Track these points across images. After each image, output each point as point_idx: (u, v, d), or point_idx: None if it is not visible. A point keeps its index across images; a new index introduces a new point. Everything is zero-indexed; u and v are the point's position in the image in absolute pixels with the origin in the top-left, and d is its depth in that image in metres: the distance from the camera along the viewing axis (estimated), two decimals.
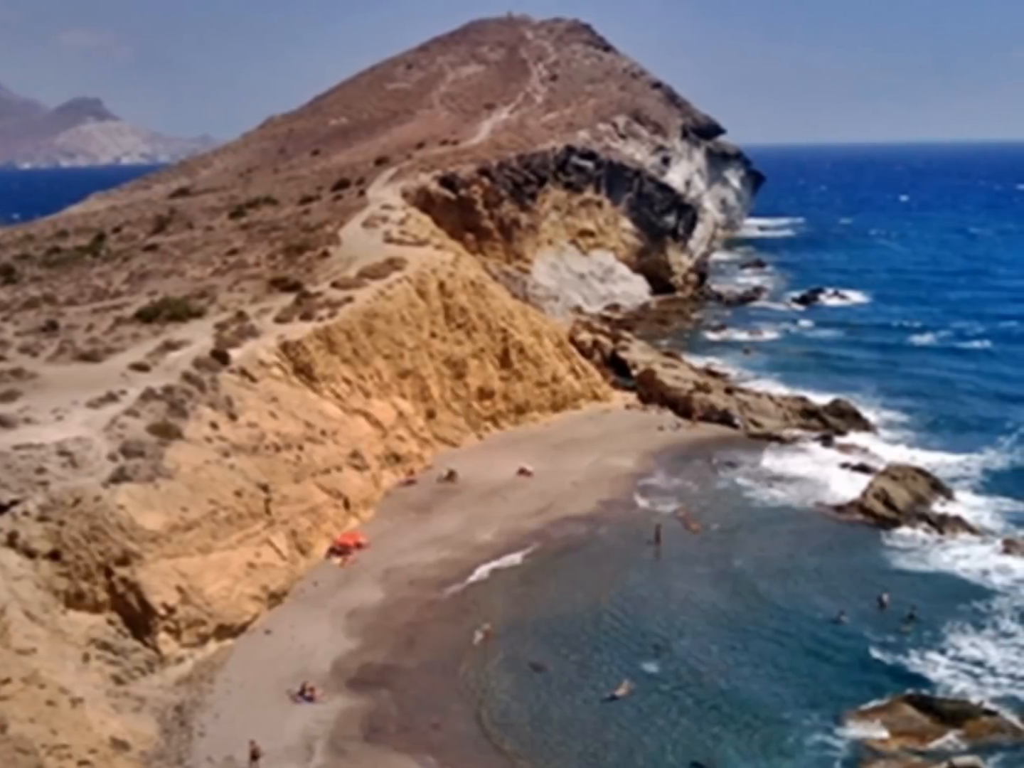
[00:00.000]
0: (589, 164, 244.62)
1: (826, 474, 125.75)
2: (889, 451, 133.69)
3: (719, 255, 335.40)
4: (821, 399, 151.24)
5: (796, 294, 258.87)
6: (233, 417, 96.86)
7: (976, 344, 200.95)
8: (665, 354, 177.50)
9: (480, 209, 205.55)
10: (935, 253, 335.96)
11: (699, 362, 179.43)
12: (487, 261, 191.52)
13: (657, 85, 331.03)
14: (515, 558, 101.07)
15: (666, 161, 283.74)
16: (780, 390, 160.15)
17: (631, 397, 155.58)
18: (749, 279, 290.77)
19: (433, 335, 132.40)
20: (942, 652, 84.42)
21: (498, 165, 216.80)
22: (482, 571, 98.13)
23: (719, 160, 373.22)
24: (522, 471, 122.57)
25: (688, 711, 76.19)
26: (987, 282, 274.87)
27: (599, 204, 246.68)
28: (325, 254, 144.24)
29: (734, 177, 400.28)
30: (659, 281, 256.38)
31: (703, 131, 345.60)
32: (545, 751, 71.29)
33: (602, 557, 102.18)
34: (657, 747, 71.55)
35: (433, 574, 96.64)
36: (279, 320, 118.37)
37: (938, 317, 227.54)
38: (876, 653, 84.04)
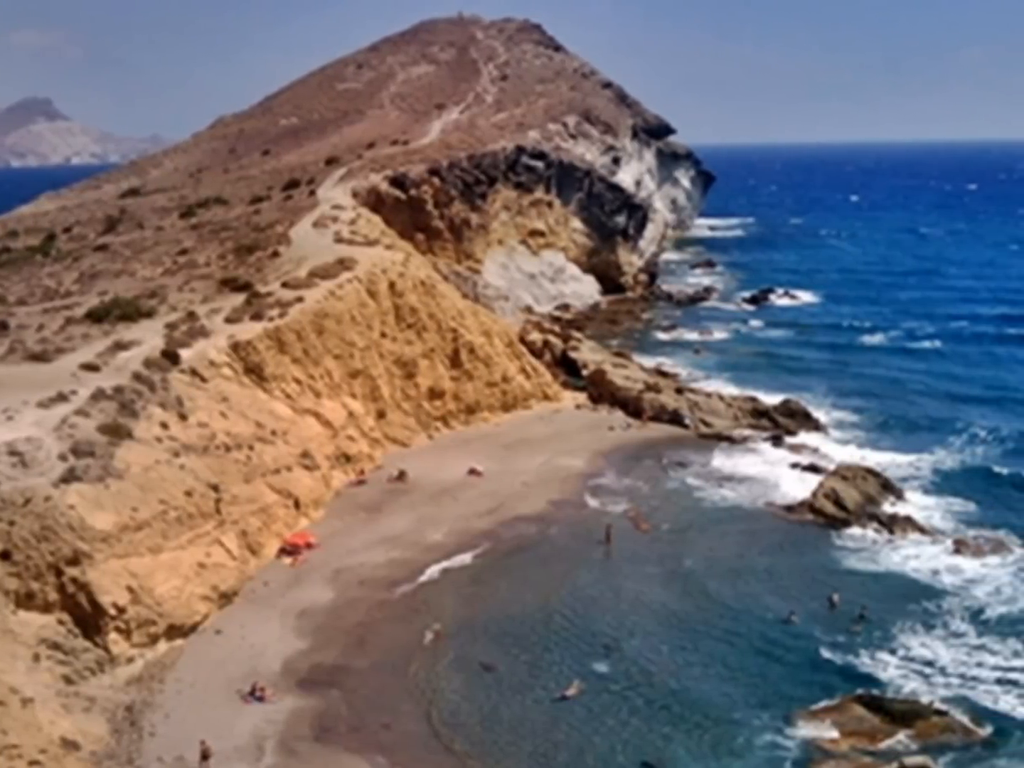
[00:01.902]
0: (539, 164, 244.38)
1: (776, 474, 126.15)
2: (839, 451, 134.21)
3: (669, 255, 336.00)
4: (771, 399, 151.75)
5: (746, 294, 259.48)
6: (183, 417, 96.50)
7: (926, 344, 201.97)
8: (615, 354, 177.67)
9: (430, 209, 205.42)
10: (885, 253, 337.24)
11: (649, 362, 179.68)
12: (437, 261, 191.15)
13: (607, 85, 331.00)
14: (465, 558, 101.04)
15: (616, 161, 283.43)
16: (730, 390, 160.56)
17: (581, 397, 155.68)
18: (699, 279, 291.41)
19: (383, 335, 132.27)
20: (892, 652, 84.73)
21: (448, 165, 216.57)
22: (432, 571, 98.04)
23: (669, 160, 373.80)
24: (472, 471, 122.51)
25: (638, 711, 76.25)
26: (937, 282, 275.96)
27: (549, 204, 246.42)
28: (275, 254, 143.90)
29: (684, 177, 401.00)
30: (609, 281, 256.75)
31: (653, 131, 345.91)
32: (495, 751, 71.25)
33: (552, 557, 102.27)
34: (607, 747, 71.55)
35: (383, 574, 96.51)
36: (229, 320, 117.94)
37: (888, 317, 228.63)
38: (826, 653, 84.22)
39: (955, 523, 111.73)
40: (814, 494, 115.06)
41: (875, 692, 78.17)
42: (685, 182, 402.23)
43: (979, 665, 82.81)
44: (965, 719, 75.08)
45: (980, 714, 75.75)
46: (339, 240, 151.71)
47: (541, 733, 73.17)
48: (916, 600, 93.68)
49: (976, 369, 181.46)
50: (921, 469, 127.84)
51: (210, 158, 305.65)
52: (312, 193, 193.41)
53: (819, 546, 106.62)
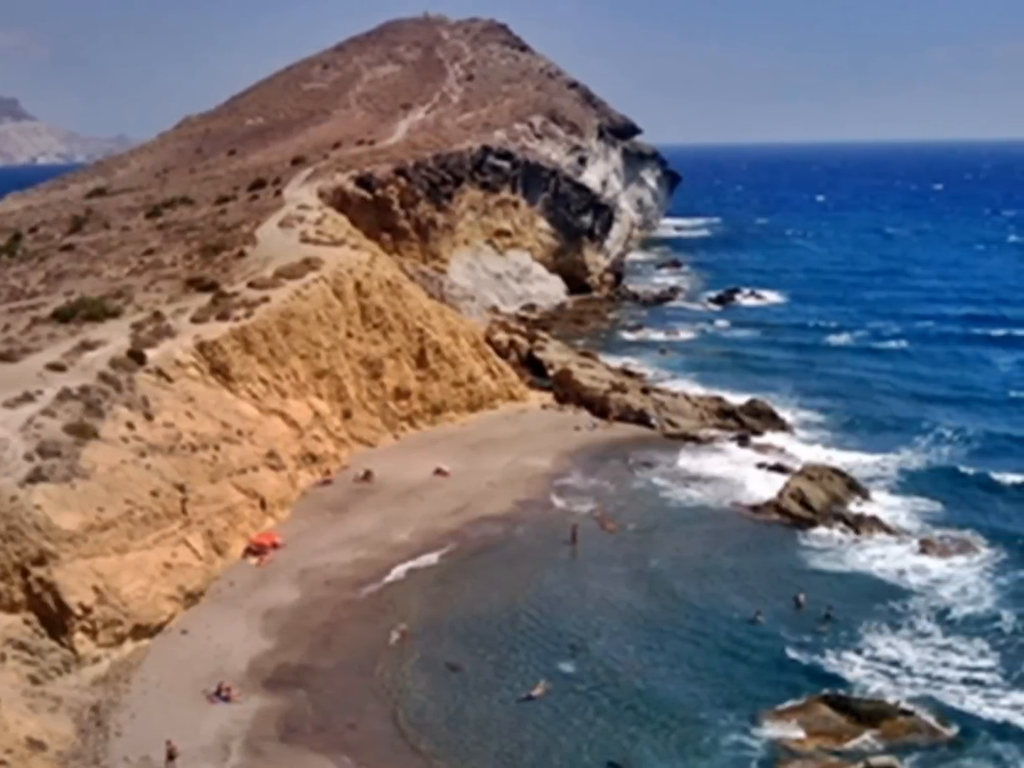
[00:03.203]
0: (506, 164, 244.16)
1: (742, 474, 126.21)
2: (805, 451, 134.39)
3: (635, 255, 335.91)
4: (737, 399, 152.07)
5: (712, 294, 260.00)
6: (149, 417, 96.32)
7: (892, 344, 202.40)
8: (581, 354, 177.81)
9: (396, 209, 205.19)
10: (851, 253, 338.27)
11: (615, 362, 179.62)
12: (403, 261, 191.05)
13: (573, 85, 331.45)
14: (431, 558, 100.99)
15: (582, 161, 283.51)
16: (696, 390, 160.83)
17: (547, 397, 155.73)
18: (665, 279, 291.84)
19: (349, 335, 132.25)
20: (858, 652, 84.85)
21: (414, 165, 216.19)
22: (398, 571, 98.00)
23: (635, 160, 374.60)
24: (439, 471, 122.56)
25: (605, 711, 76.32)
26: (903, 282, 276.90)
27: (516, 204, 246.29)
28: (241, 254, 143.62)
29: (650, 177, 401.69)
30: (575, 281, 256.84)
31: (619, 131, 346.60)
32: (461, 751, 71.27)
33: (518, 557, 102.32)
34: (573, 747, 71.61)
35: (349, 574, 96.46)
36: (195, 320, 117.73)
37: (854, 317, 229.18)
38: (792, 653, 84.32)
39: (921, 523, 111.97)
40: (780, 494, 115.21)
41: (841, 692, 78.28)
42: (651, 182, 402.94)
43: (945, 665, 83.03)
44: (931, 719, 75.28)
45: (946, 714, 75.97)
46: (305, 240, 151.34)
47: (507, 733, 73.26)
48: (882, 600, 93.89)
49: (942, 369, 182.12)
50: (887, 469, 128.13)
51: (176, 158, 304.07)
52: (278, 193, 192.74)
53: (785, 546, 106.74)
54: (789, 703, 77.32)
